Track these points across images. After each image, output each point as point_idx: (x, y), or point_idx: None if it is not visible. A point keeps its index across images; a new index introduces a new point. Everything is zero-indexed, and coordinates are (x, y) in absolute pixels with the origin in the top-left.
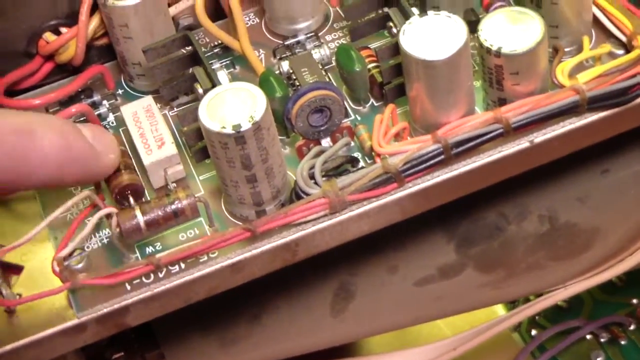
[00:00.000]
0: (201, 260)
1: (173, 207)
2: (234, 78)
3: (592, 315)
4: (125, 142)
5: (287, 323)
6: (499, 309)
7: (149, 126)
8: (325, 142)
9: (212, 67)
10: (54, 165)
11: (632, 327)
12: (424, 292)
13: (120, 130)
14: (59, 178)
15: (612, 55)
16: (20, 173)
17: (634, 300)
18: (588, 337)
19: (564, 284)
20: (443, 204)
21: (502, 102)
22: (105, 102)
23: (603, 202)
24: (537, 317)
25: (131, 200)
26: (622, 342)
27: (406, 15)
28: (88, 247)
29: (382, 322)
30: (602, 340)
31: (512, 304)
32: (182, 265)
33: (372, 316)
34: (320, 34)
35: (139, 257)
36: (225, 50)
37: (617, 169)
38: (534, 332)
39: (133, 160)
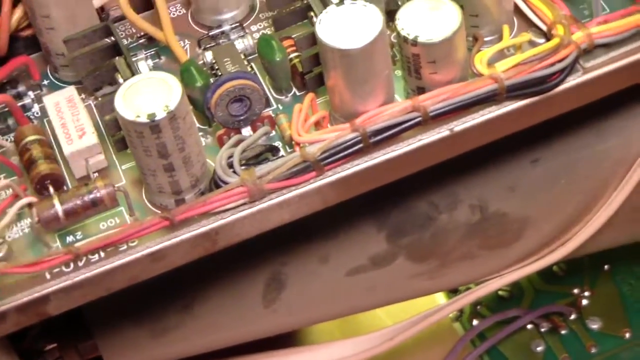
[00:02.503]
0: (120, 249)
1: (91, 196)
2: (159, 68)
3: (533, 304)
4: (49, 133)
5: (219, 313)
6: (441, 299)
7: (70, 116)
8: (246, 131)
9: (137, 57)
10: None
11: (572, 317)
12: (356, 281)
13: (45, 120)
14: None
15: (532, 44)
16: None
17: (575, 290)
18: (529, 326)
19: (499, 273)
20: (373, 194)
21: (421, 90)
22: (30, 92)
23: (533, 191)
24: (478, 307)
25: (51, 189)
26: (563, 332)
27: (326, 5)
28: (9, 237)
29: (315, 313)
30: (542, 329)
31: (453, 294)
32: (102, 254)
33: (304, 306)
34: (245, 25)
35: (60, 246)
36: (151, 40)
37: (547, 159)
38: (475, 322)
39: (56, 150)
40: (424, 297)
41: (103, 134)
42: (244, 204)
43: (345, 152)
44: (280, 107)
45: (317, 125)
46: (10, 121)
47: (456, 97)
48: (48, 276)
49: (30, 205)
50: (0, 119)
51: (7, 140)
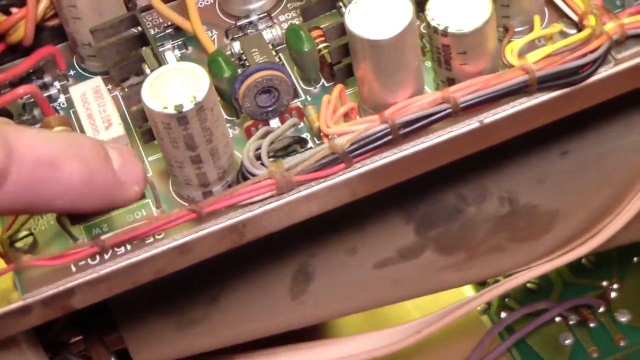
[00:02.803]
0: (147, 242)
1: None
2: (186, 59)
3: (561, 297)
4: (75, 124)
5: (245, 305)
6: (468, 291)
7: (96, 107)
8: (274, 122)
9: (164, 48)
10: (75, 196)
11: (601, 310)
12: (384, 274)
13: (71, 111)
14: (78, 206)
15: (563, 35)
16: (38, 202)
17: (604, 283)
18: (557, 319)
19: (527, 266)
20: (401, 186)
21: (451, 82)
22: (56, 83)
23: (563, 183)
24: (506, 300)
25: None
26: (591, 325)
27: None
28: (35, 229)
29: (342, 305)
30: (571, 322)
31: (481, 286)
32: (128, 247)
33: (331, 298)
34: (273, 15)
35: (86, 239)
36: (178, 30)
37: (577, 150)
38: (503, 314)
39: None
40: (452, 290)
41: (130, 125)
42: (272, 196)
43: (374, 144)
44: (309, 99)
45: (346, 116)
46: (36, 112)
47: (487, 88)
48: (74, 269)
49: None
50: (26, 109)
51: None
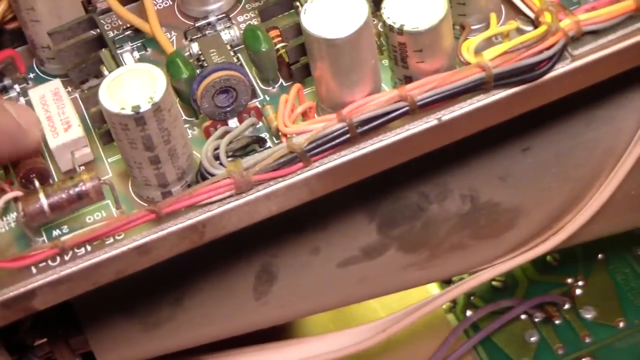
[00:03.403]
0: (107, 243)
1: (77, 189)
2: (145, 60)
3: (526, 294)
4: None
5: (210, 306)
6: (434, 289)
7: (56, 109)
8: (233, 122)
9: (123, 50)
10: None
11: (566, 307)
12: (348, 273)
13: None
14: None
15: (520, 32)
16: None
17: (569, 280)
18: (522, 316)
19: (491, 264)
20: (363, 184)
21: (408, 80)
22: (16, 86)
23: (525, 180)
24: (472, 298)
25: (36, 183)
26: (557, 322)
27: None
28: None
29: (307, 304)
30: (536, 320)
31: (446, 284)
32: (88, 248)
33: (295, 298)
34: (231, 15)
35: (46, 240)
36: (137, 32)
37: (538, 147)
38: (468, 312)
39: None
40: (417, 288)
41: (89, 126)
42: (231, 196)
43: (332, 143)
44: (267, 98)
45: (304, 115)
46: None
47: (443, 86)
48: (34, 270)
49: (15, 199)
50: None
51: None
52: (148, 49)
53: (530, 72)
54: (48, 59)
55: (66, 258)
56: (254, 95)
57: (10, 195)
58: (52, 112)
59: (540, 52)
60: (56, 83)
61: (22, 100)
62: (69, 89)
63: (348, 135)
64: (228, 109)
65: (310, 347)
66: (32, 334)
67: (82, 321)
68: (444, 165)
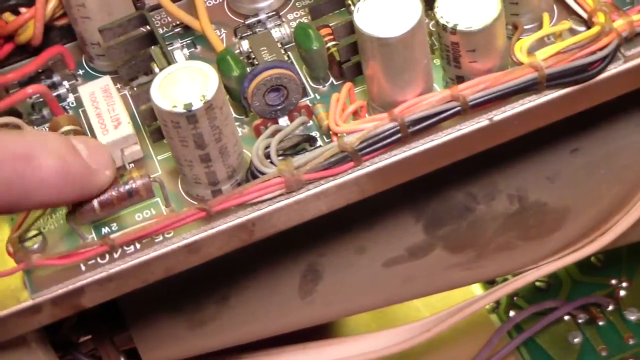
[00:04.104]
0: (156, 241)
1: (127, 187)
2: (195, 58)
3: (570, 296)
4: (84, 123)
5: (255, 305)
6: (477, 290)
7: (106, 106)
8: (283, 121)
9: (173, 47)
10: (52, 189)
11: (610, 308)
12: (393, 273)
13: (80, 110)
14: (57, 199)
15: (573, 32)
16: (17, 198)
17: (613, 281)
18: (566, 318)
19: (537, 264)
20: (411, 184)
21: (460, 79)
22: (65, 82)
23: (573, 181)
24: (515, 299)
25: None
26: (600, 323)
27: None
28: (44, 228)
29: (351, 304)
30: (579, 321)
31: (490, 285)
32: (138, 246)
33: (340, 298)
34: (282, 13)
35: (95, 238)
36: (187, 29)
37: (587, 148)
38: (512, 313)
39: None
40: (461, 289)
41: (139, 124)
42: (281, 194)
43: (384, 142)
44: (318, 97)
45: (355, 115)
46: (45, 111)
47: (496, 86)
48: (83, 268)
49: None
50: (35, 109)
51: (42, 130)
52: (198, 47)
53: (583, 72)
54: (98, 55)
55: (115, 256)
56: (305, 93)
57: None
58: (101, 109)
59: (593, 52)
60: (106, 80)
61: (71, 96)
62: (118, 86)
63: (399, 135)
64: (279, 107)
65: (353, 346)
66: (77, 331)
67: (127, 318)
68: (492, 165)
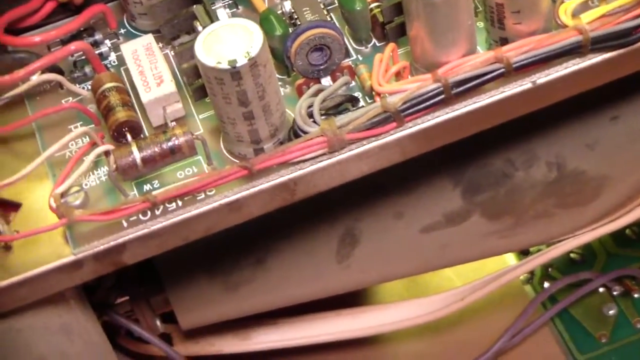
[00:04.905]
0: (198, 198)
1: (170, 143)
2: (236, 17)
3: (605, 268)
4: (126, 81)
5: (292, 268)
6: (511, 260)
7: (148, 64)
8: (326, 81)
9: (215, 6)
10: None
11: None
12: (430, 238)
13: (122, 69)
14: None
15: None
16: None
17: None
18: (601, 290)
19: (573, 234)
20: (449, 149)
21: (504, 41)
22: (107, 41)
23: (612, 149)
24: (549, 270)
25: (128, 137)
26: (635, 295)
27: None
28: (86, 185)
29: (387, 270)
30: (614, 293)
31: (523, 255)
32: (179, 203)
33: (377, 263)
34: None
35: (137, 195)
36: None
37: (627, 116)
38: (546, 284)
39: (132, 98)
40: (494, 259)
41: (180, 83)
42: (324, 154)
43: (427, 103)
44: (360, 58)
45: (398, 76)
46: (87, 69)
47: (540, 48)
48: (125, 224)
49: (107, 153)
50: (77, 66)
51: (84, 88)
52: (239, 7)
53: (628, 36)
54: (140, 14)
55: (157, 213)
56: (347, 54)
57: (102, 148)
58: (144, 67)
59: (638, 16)
60: (149, 38)
61: (112, 55)
62: (160, 45)
63: (443, 96)
64: (321, 67)
65: (386, 314)
66: (114, 292)
67: (163, 280)
68: (530, 132)
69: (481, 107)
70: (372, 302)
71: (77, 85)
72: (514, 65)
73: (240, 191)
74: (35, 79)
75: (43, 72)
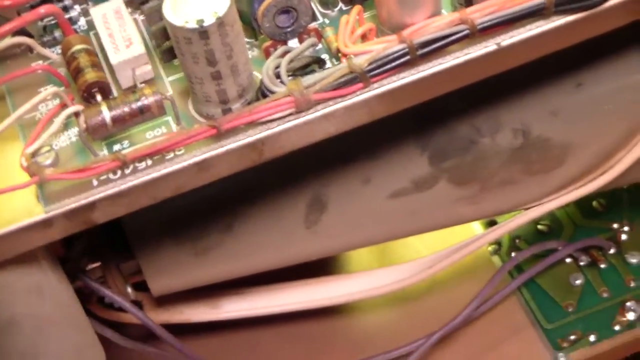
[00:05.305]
0: (167, 158)
1: (139, 103)
2: None
3: (572, 239)
4: (96, 45)
5: (260, 233)
6: (478, 231)
7: (117, 27)
8: (293, 43)
9: None
10: None
11: (612, 251)
12: (398, 204)
13: (91, 33)
14: None
15: None
16: None
17: (615, 225)
18: (567, 260)
19: (539, 201)
20: (416, 115)
21: (469, 3)
22: (76, 6)
23: (576, 116)
24: (517, 241)
25: (98, 97)
26: (602, 266)
27: None
28: (56, 146)
29: (355, 236)
30: (581, 263)
31: (490, 226)
32: (149, 162)
33: (345, 229)
34: None
35: (107, 154)
36: None
37: (592, 84)
38: (513, 255)
39: (101, 60)
40: (462, 231)
41: (150, 47)
42: (291, 114)
43: (393, 64)
44: (327, 22)
45: (364, 38)
46: (57, 33)
47: (504, 10)
48: (95, 183)
49: (77, 114)
50: (47, 31)
51: (53, 52)
52: None
53: None
54: None
55: (127, 172)
56: (314, 17)
57: (72, 109)
58: (113, 30)
59: None
60: (118, 2)
61: (82, 20)
62: (129, 9)
63: (408, 57)
64: (288, 29)
65: (355, 282)
66: (85, 259)
67: (133, 246)
68: (496, 98)
69: (446, 69)
70: (341, 272)
71: (47, 49)
72: (479, 27)
73: (209, 150)
74: (5, 42)
75: (13, 35)
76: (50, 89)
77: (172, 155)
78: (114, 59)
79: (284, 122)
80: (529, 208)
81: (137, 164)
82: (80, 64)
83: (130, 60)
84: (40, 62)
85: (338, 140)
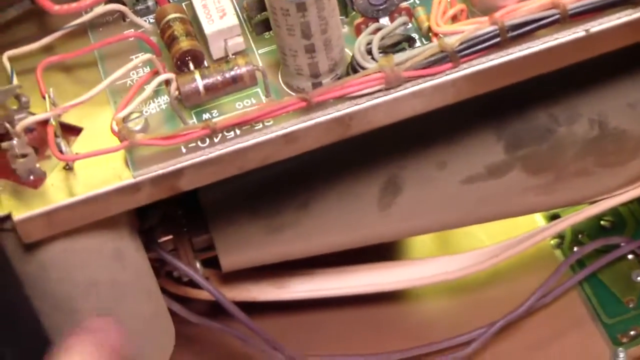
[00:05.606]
0: (256, 128)
1: (232, 72)
2: None
3: (635, 236)
4: (187, 14)
5: (334, 213)
6: (540, 223)
7: None
8: (384, 21)
9: None
10: None
11: None
12: (471, 190)
13: (184, 4)
14: None
15: None
16: None
17: None
18: (630, 256)
19: (610, 194)
20: (494, 102)
21: None
22: None
23: None
24: (580, 237)
25: (191, 65)
26: None
27: None
28: (146, 112)
29: (427, 220)
30: None
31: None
32: (238, 132)
33: (417, 212)
34: None
35: (196, 123)
36: None
37: None
38: (576, 249)
39: (194, 29)
40: (526, 223)
41: (241, 19)
42: (380, 90)
43: (483, 45)
44: (417, 1)
45: (455, 19)
46: (150, 2)
47: None
48: (184, 150)
49: (168, 82)
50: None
51: (146, 21)
52: None
53: None
54: None
55: (215, 140)
56: None
57: (164, 76)
58: (207, 0)
59: None
60: None
61: None
62: None
63: (499, 39)
64: (381, 7)
65: (418, 268)
66: (159, 230)
67: (208, 220)
68: (574, 88)
69: (534, 53)
70: (403, 259)
71: (140, 18)
72: (570, 12)
73: (297, 123)
74: (99, 9)
75: (107, 3)
76: (144, 56)
77: (260, 125)
78: (207, 29)
79: (373, 97)
80: (594, 202)
81: (225, 133)
82: (175, 32)
83: (223, 30)
84: (132, 30)
85: (416, 123)
